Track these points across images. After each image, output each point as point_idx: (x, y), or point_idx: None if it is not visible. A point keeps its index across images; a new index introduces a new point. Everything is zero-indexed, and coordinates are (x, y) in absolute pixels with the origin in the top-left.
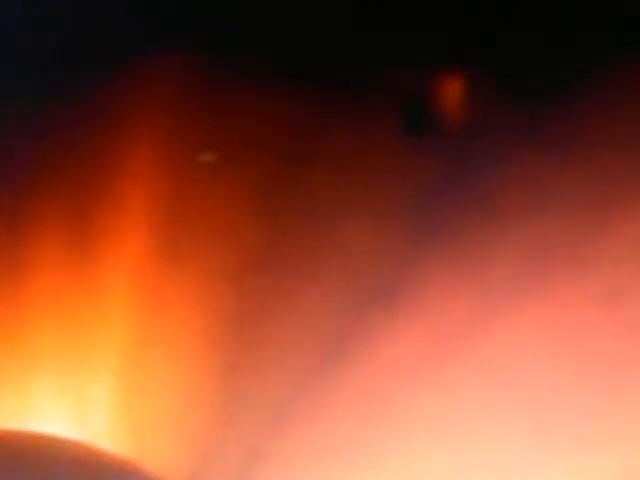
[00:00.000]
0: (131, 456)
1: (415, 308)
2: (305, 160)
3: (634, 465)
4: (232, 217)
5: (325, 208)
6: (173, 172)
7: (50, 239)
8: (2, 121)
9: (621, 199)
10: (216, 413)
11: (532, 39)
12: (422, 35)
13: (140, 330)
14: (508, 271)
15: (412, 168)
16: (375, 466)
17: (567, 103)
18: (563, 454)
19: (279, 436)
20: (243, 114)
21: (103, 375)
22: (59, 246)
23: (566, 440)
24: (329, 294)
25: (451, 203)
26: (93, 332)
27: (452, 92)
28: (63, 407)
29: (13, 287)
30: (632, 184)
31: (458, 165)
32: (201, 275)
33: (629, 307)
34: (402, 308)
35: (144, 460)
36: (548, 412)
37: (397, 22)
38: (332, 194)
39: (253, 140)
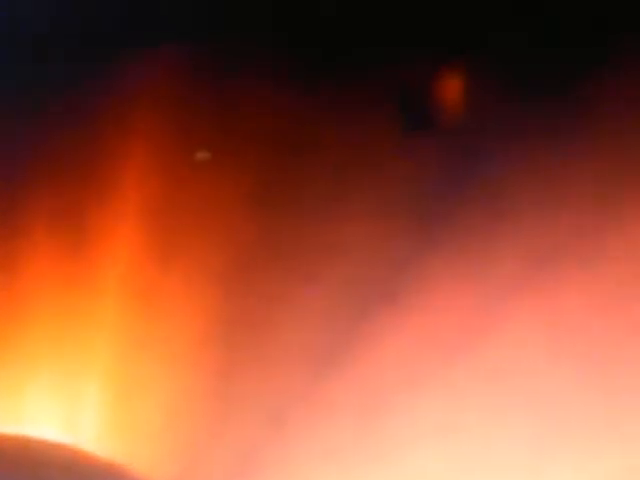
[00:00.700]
0: (121, 460)
1: (418, 307)
2: (303, 157)
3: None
4: (228, 216)
5: (324, 206)
6: (169, 169)
7: (42, 240)
8: None
9: (633, 196)
10: (208, 417)
11: (536, 33)
12: (423, 31)
13: (132, 332)
14: (513, 269)
15: (414, 164)
16: (374, 466)
17: (575, 97)
18: (567, 453)
19: (273, 441)
20: (241, 109)
21: (94, 378)
22: (50, 247)
23: (570, 439)
24: (328, 294)
25: (454, 199)
26: (84, 336)
27: (453, 87)
28: (54, 411)
29: (4, 291)
30: None
31: (461, 161)
32: (196, 275)
33: (637, 307)
34: (404, 306)
35: (134, 464)
36: (551, 410)
37: (398, 17)
38: (331, 191)
39: (250, 136)
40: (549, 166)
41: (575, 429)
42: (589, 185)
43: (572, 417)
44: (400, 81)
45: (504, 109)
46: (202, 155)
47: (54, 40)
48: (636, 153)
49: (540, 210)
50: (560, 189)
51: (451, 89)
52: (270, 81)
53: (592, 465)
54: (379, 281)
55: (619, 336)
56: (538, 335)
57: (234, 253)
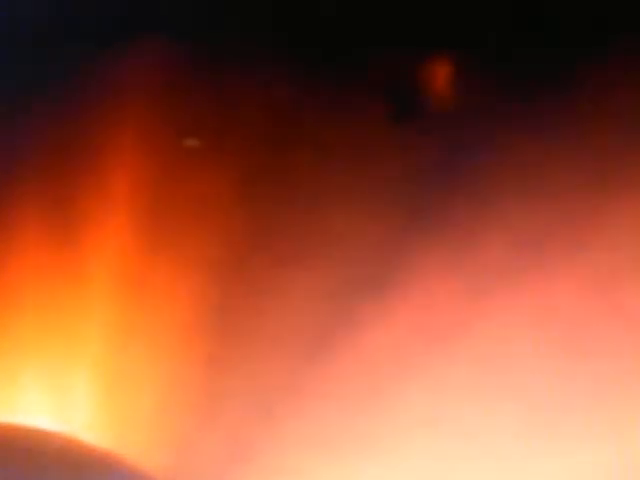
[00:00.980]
0: (113, 448)
1: (405, 296)
2: (291, 146)
3: (627, 455)
4: (217, 204)
5: (312, 195)
6: (157, 158)
7: (32, 229)
8: None
9: (618, 184)
10: (199, 405)
11: (525, 23)
12: (411, 21)
13: (123, 321)
14: (502, 257)
15: (402, 155)
16: (363, 458)
17: (563, 87)
18: (554, 445)
19: (264, 427)
20: (228, 100)
21: (86, 367)
22: (40, 237)
23: (558, 431)
24: (316, 283)
25: (442, 190)
26: (76, 324)
27: (442, 78)
28: (45, 399)
29: None
30: (629, 169)
31: (449, 151)
32: (185, 264)
33: (625, 294)
34: (391, 296)
35: (126, 452)
36: (540, 400)
37: (386, 9)
38: (319, 181)
39: (238, 126)
40: (537, 157)
41: (566, 421)
42: (577, 176)
43: (562, 408)
44: (390, 72)
45: (497, 99)
46: (190, 142)
47: (54, 40)
48: (624, 148)
49: (527, 201)
50: (547, 180)
51: (442, 80)
52: (267, 78)
53: (581, 456)
54: (368, 272)
55: (607, 326)
56: (527, 325)
57: (225, 244)
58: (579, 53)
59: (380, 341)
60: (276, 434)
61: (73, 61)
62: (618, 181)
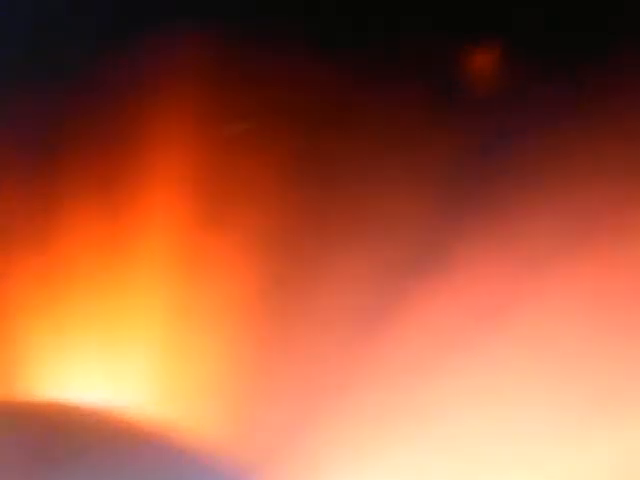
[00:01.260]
0: (170, 425)
1: (451, 278)
2: (339, 128)
3: None
4: (268, 186)
5: (360, 177)
6: (207, 141)
7: (88, 209)
8: (35, 89)
9: None
10: (255, 382)
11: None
12: (455, 3)
13: (180, 298)
14: (548, 241)
15: (448, 138)
16: (409, 437)
17: (612, 73)
18: (606, 420)
19: (317, 400)
20: (274, 83)
21: (143, 344)
22: (98, 217)
23: (607, 406)
24: (365, 264)
25: (488, 173)
26: (133, 300)
27: (489, 61)
28: (103, 374)
29: (52, 256)
30: None
31: (495, 135)
32: (239, 242)
33: None
34: (438, 279)
35: (183, 429)
36: (589, 381)
37: None
38: (367, 163)
39: (286, 109)
40: (588, 139)
41: (613, 397)
42: (628, 157)
43: (610, 385)
44: (434, 55)
45: (546, 82)
46: (238, 127)
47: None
48: None
49: (579, 182)
50: (596, 165)
51: (483, 65)
52: (305, 55)
53: (631, 432)
54: (415, 251)
55: None
56: (575, 305)
57: (275, 222)
58: (630, 37)
59: (427, 322)
60: (329, 407)
61: (120, 45)
62: None
